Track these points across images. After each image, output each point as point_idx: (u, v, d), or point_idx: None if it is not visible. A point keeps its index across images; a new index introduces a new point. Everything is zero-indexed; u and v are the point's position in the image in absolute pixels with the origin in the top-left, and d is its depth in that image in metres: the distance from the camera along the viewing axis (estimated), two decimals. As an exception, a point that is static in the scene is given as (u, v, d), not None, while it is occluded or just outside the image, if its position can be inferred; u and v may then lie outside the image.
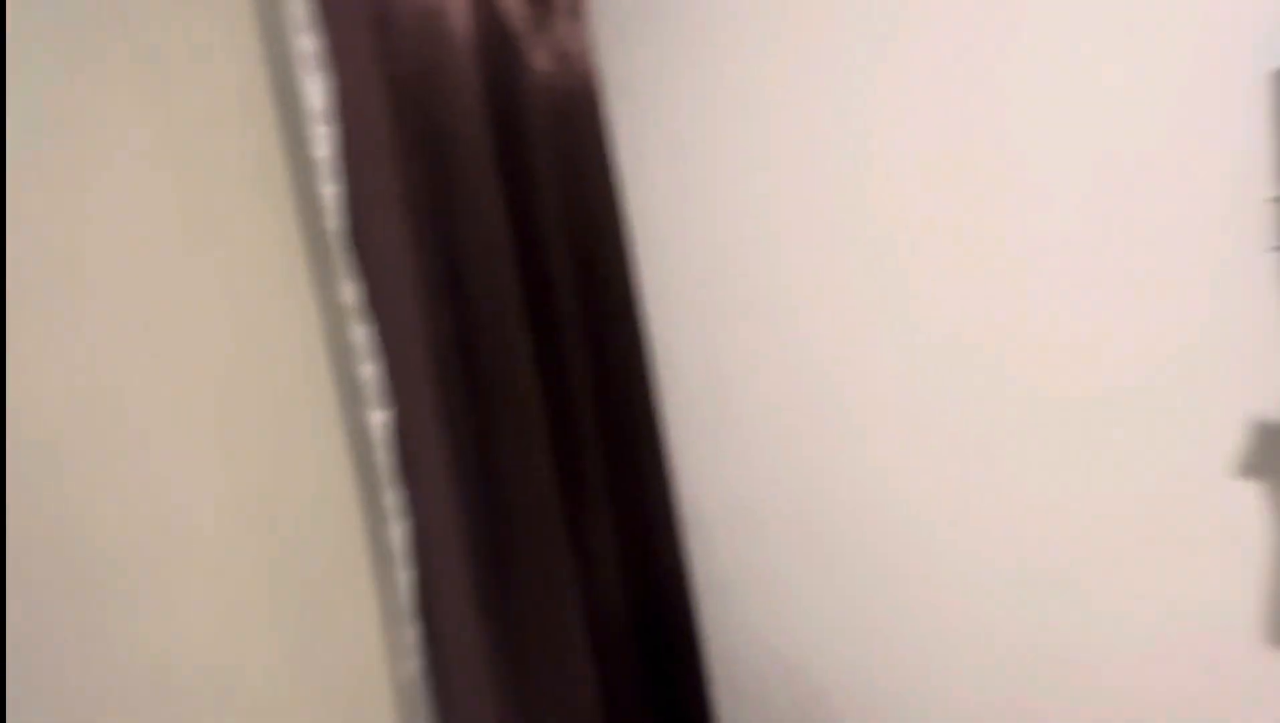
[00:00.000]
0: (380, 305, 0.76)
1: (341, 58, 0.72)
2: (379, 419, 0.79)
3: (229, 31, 0.67)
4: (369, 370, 0.79)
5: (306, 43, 0.69)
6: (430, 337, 0.78)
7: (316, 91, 0.70)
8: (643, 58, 1.33)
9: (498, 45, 1.04)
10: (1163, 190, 1.09)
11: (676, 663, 1.40)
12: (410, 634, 0.81)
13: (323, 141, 0.71)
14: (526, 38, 1.09)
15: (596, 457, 1.23)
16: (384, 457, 0.80)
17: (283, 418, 0.69)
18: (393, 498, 0.81)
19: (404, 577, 0.81)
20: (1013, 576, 1.23)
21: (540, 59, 1.21)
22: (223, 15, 0.64)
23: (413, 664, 0.83)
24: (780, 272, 1.31)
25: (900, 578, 1.32)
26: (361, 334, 0.79)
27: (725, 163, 1.31)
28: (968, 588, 1.26)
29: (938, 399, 1.24)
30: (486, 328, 0.87)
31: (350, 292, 0.77)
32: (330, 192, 0.74)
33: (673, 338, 1.36)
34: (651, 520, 1.33)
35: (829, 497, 1.35)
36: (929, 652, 1.32)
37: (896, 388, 1.27)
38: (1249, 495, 1.11)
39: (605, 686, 1.19)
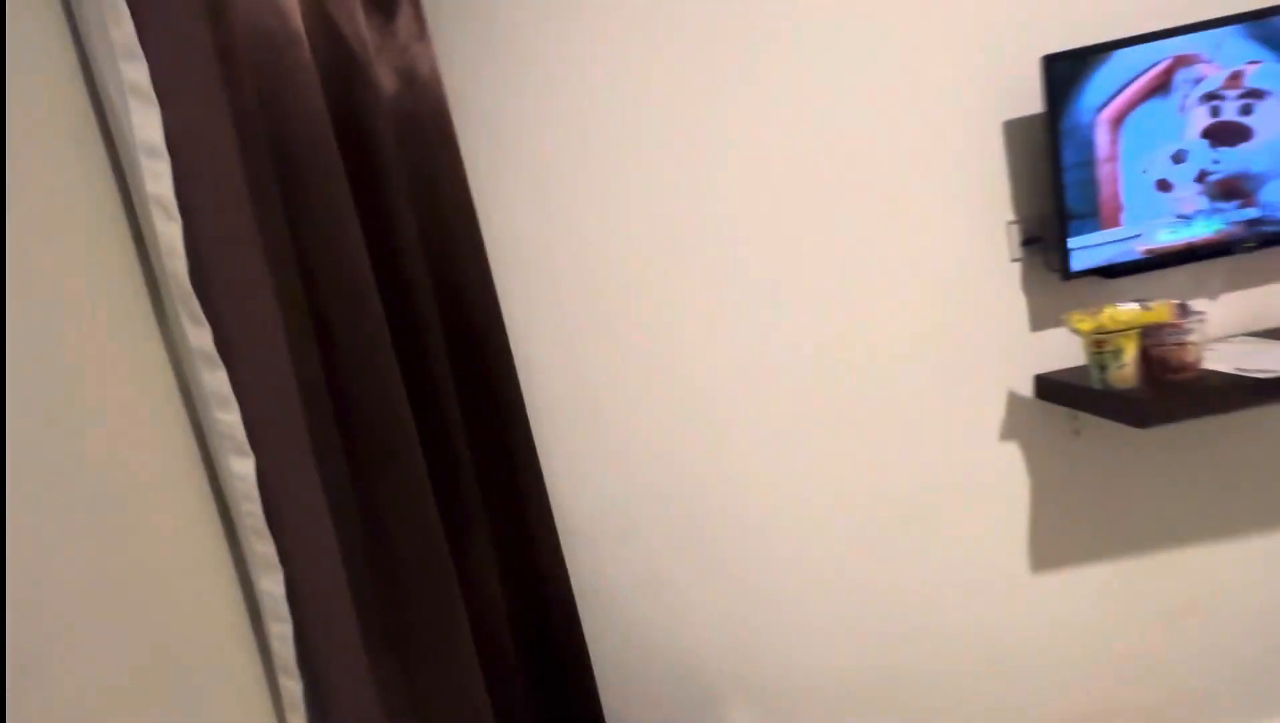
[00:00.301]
0: (235, 349, 0.72)
1: (177, 87, 0.67)
2: (241, 468, 0.75)
3: (43, 59, 0.60)
4: (225, 418, 0.75)
5: (133, 72, 0.63)
6: (294, 378, 0.75)
7: (149, 124, 0.64)
8: (494, 78, 1.35)
9: (344, 69, 1.00)
10: (935, 216, 1.34)
11: (564, 671, 1.44)
12: (293, 687, 0.77)
13: (158, 178, 0.65)
14: (372, 61, 1.06)
15: (471, 479, 1.24)
16: (248, 507, 0.75)
17: (130, 473, 0.63)
18: (262, 549, 0.76)
19: (279, 629, 0.77)
20: (855, 543, 1.43)
21: (387, 81, 1.18)
22: (34, 43, 0.57)
23: (299, 717, 0.79)
24: (642, 287, 1.40)
25: (766, 565, 1.47)
26: (215, 380, 0.73)
27: (580, 180, 1.36)
28: (821, 556, 1.45)
29: (786, 404, 1.41)
30: (354, 364, 0.84)
31: (198, 335, 0.71)
32: (169, 230, 0.68)
33: (539, 355, 1.40)
34: (529, 535, 1.35)
35: (701, 500, 1.47)
36: (797, 625, 1.48)
37: (754, 395, 1.41)
38: (1008, 452, 1.40)
39: (498, 705, 1.20)
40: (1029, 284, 1.35)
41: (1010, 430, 1.39)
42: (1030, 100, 1.25)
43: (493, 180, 1.34)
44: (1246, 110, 1.21)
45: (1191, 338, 1.14)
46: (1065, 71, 1.19)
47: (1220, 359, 1.20)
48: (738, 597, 1.45)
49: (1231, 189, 1.23)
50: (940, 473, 1.40)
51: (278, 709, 0.74)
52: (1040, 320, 1.35)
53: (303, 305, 0.80)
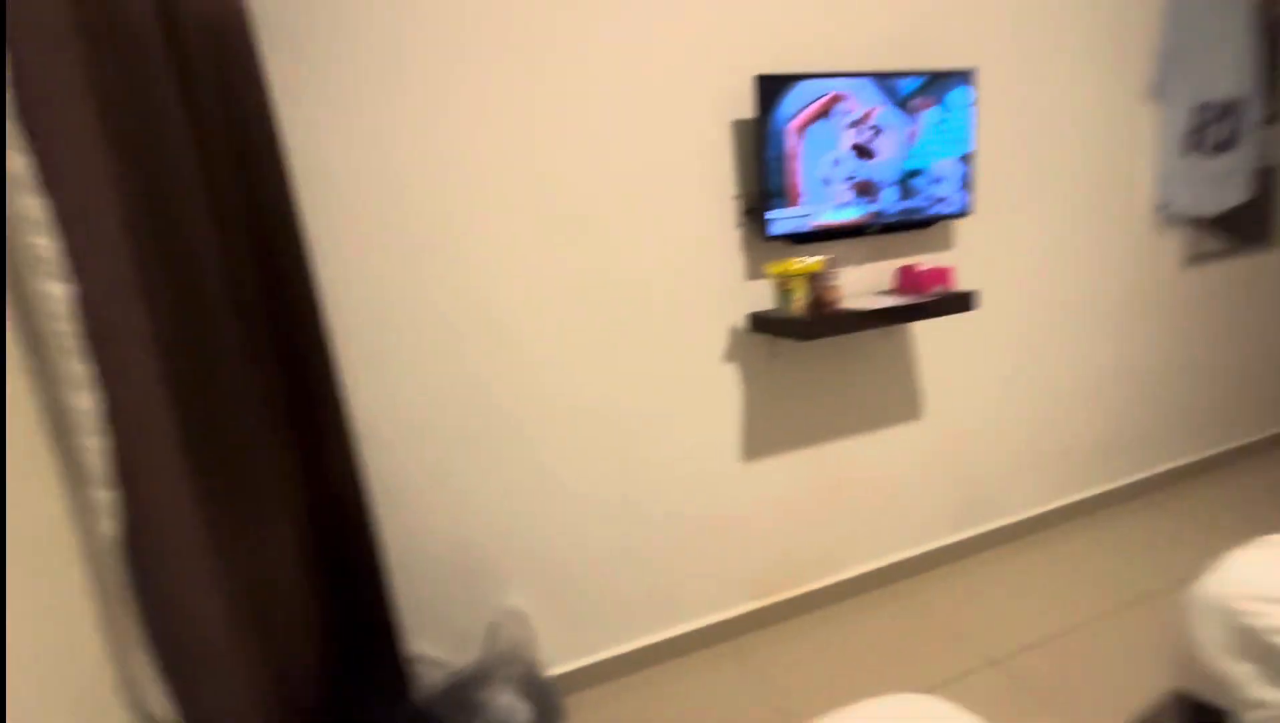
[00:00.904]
0: (61, 177, 0.77)
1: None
2: (61, 291, 0.79)
3: None
4: (47, 245, 0.79)
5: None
6: (119, 207, 0.80)
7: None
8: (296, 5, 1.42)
9: None
10: (681, 188, 1.73)
11: (358, 557, 1.55)
12: (104, 497, 0.83)
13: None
14: None
15: (275, 376, 1.30)
16: (68, 328, 0.80)
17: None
18: (79, 369, 0.81)
19: (94, 443, 0.83)
20: (608, 442, 1.78)
21: None
22: None
23: (108, 526, 0.85)
24: (442, 212, 1.57)
25: (538, 459, 1.74)
26: (36, 206, 0.77)
27: (389, 106, 1.49)
28: (581, 453, 1.76)
29: (560, 325, 1.70)
30: (175, 218, 0.89)
31: (19, 163, 0.75)
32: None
33: (339, 268, 1.49)
34: (325, 435, 1.44)
35: (485, 402, 1.68)
36: (561, 510, 1.78)
37: (534, 316, 1.67)
38: (728, 371, 1.87)
39: (304, 560, 1.29)
40: (746, 244, 1.82)
41: (729, 355, 1.86)
42: (749, 106, 1.71)
43: (297, 96, 1.41)
44: (874, 138, 1.80)
45: (836, 284, 1.68)
46: (770, 88, 1.66)
47: (854, 301, 1.77)
48: (514, 486, 1.71)
49: (865, 189, 1.82)
50: (676, 386, 1.82)
51: (86, 521, 0.80)
52: (753, 272, 1.84)
53: (130, 159, 0.86)
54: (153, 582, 0.86)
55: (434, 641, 1.67)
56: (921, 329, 2.07)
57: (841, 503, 2.07)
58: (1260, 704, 1.09)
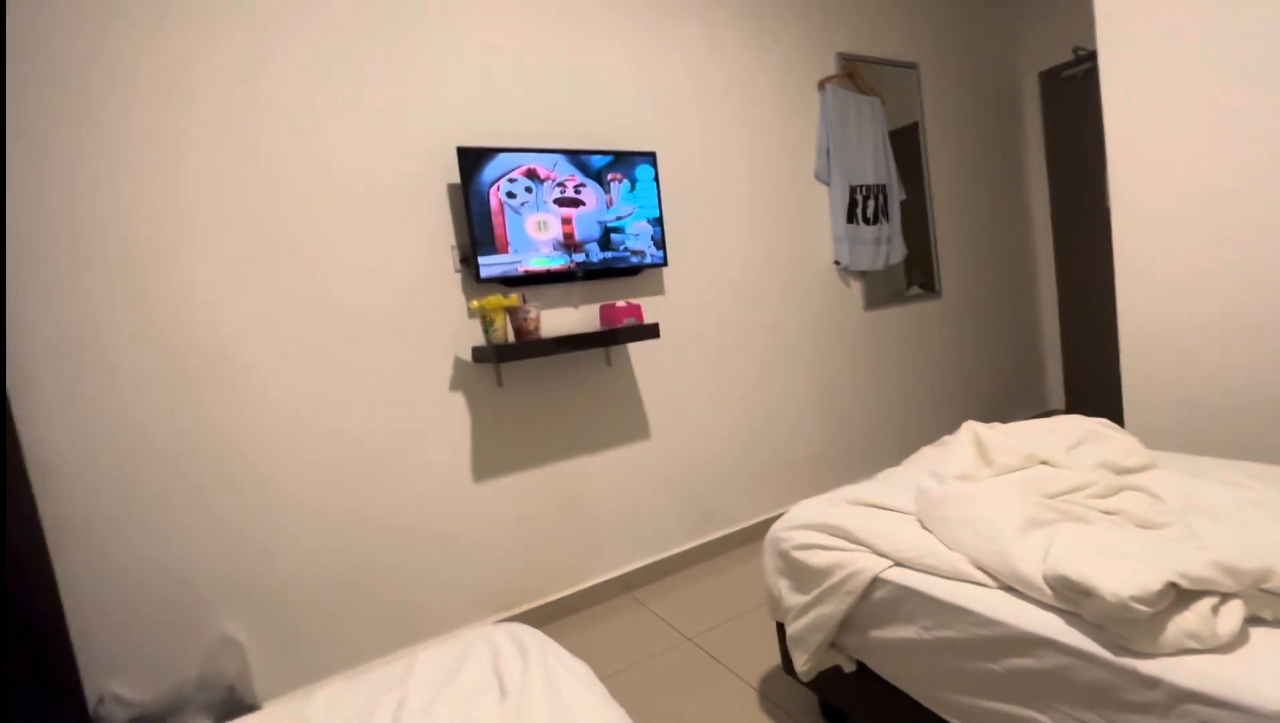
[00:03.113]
0: None
1: None
2: None
3: None
4: None
5: None
6: None
7: None
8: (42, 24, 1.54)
9: None
10: (408, 240, 2.00)
11: (22, 590, 1.50)
12: None
13: None
14: None
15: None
16: None
17: None
18: None
19: None
20: (338, 470, 1.90)
21: None
22: None
23: None
24: (157, 239, 1.69)
25: (259, 491, 1.81)
26: None
27: (97, 158, 1.62)
28: (308, 482, 1.86)
29: (287, 360, 1.84)
30: None
31: None
32: None
33: (21, 295, 1.54)
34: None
35: (199, 430, 1.75)
36: (283, 538, 1.84)
37: (259, 340, 1.80)
38: (456, 398, 2.08)
39: None
40: (465, 287, 2.09)
41: (457, 383, 2.08)
42: (457, 173, 2.03)
43: (20, 132, 1.51)
44: (576, 202, 2.19)
45: (531, 315, 1.99)
46: (471, 159, 2.00)
47: (555, 330, 2.09)
48: (233, 520, 1.77)
49: (570, 243, 2.19)
50: (406, 414, 2.00)
51: None
52: (463, 312, 2.10)
53: None
54: None
55: (134, 679, 1.64)
56: (639, 361, 2.43)
57: (577, 518, 2.30)
58: (791, 609, 1.41)
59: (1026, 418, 3.01)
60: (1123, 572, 0.93)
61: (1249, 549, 0.99)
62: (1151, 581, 0.90)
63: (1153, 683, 0.88)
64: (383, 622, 1.96)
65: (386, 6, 1.95)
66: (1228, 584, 0.91)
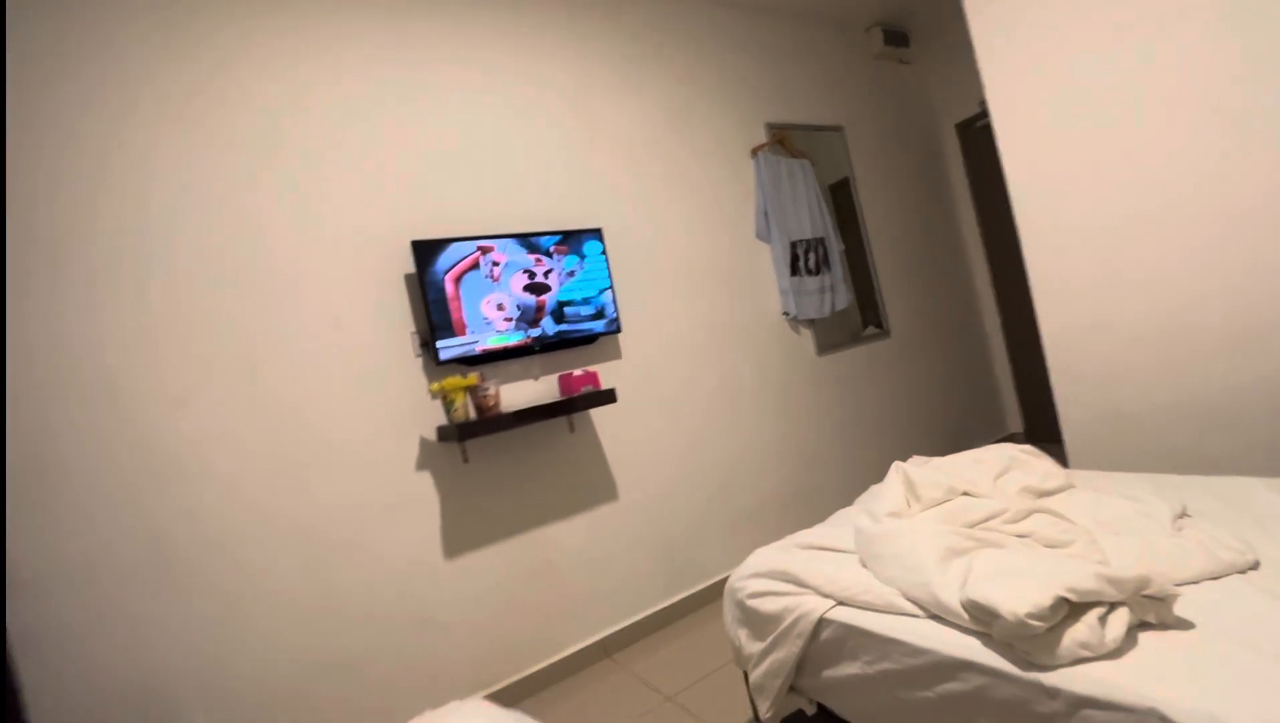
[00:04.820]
0: None
1: None
2: None
3: None
4: None
5: None
6: None
7: None
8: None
9: None
10: (368, 329, 2.10)
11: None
12: None
13: None
14: None
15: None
16: None
17: None
18: None
19: None
20: (306, 558, 1.93)
21: None
22: None
23: None
24: (115, 356, 1.77)
25: (229, 586, 1.84)
26: None
27: (47, 261, 1.73)
28: (277, 572, 1.89)
29: (255, 458, 1.90)
30: None
31: None
32: None
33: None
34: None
35: (169, 539, 1.78)
36: (254, 633, 1.85)
37: (220, 442, 1.87)
38: (424, 477, 2.15)
39: None
40: (426, 369, 2.19)
41: (423, 463, 2.15)
42: (412, 264, 2.16)
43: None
44: (541, 283, 2.33)
45: (491, 392, 2.09)
46: (425, 250, 2.13)
47: (516, 403, 2.18)
48: (202, 620, 1.79)
49: (528, 318, 2.31)
50: (374, 498, 2.06)
51: None
52: (425, 394, 2.20)
53: None
54: None
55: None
56: (602, 425, 2.52)
57: (551, 586, 2.34)
58: (751, 657, 1.47)
59: (987, 444, 3.15)
60: (1018, 591, 1.03)
61: (1139, 559, 1.09)
62: (1043, 596, 1.00)
63: (1054, 693, 0.96)
64: (365, 706, 1.96)
65: (336, 119, 2.12)
66: (1112, 594, 1.01)
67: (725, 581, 2.76)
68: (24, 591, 1.59)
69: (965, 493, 1.46)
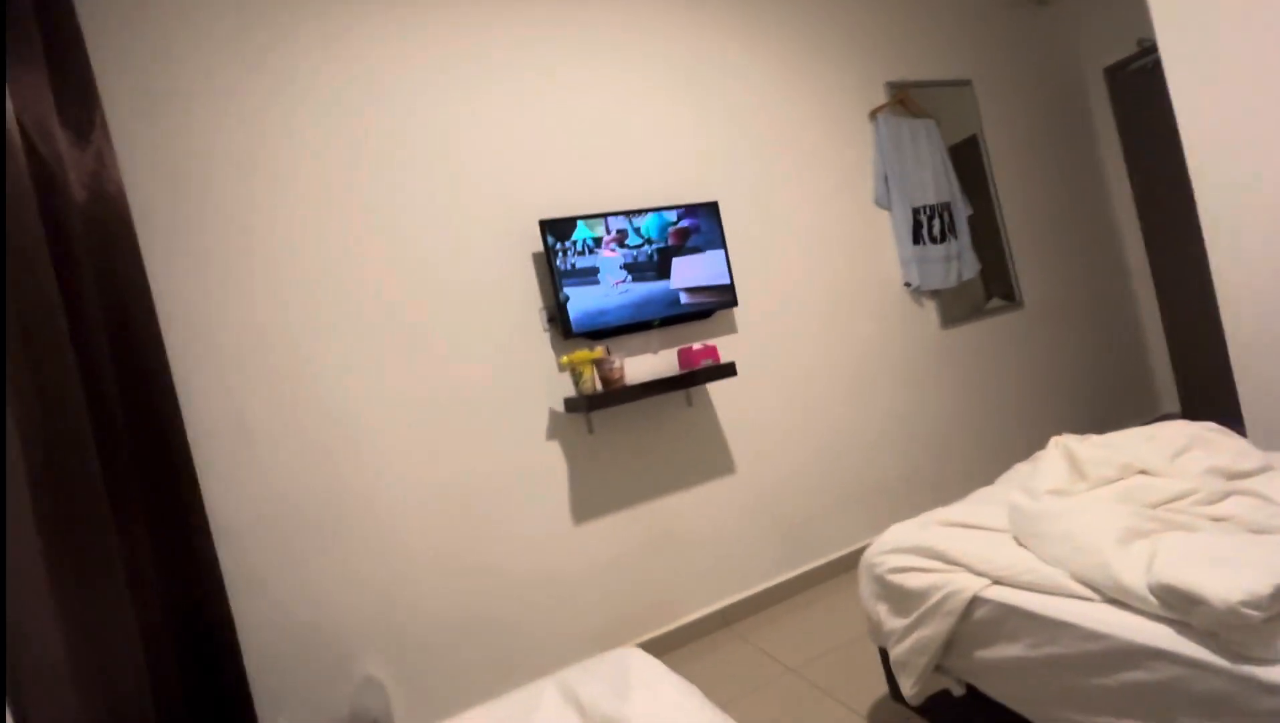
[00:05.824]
0: None
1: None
2: None
3: None
4: None
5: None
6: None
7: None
8: (166, 186, 1.90)
9: (46, 183, 1.47)
10: (500, 305, 2.22)
11: (214, 649, 1.75)
12: None
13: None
14: (68, 178, 1.55)
15: (135, 486, 1.60)
16: None
17: None
18: None
19: None
20: (455, 519, 2.09)
21: (78, 193, 1.65)
22: None
23: None
24: (288, 332, 1.98)
25: (391, 544, 2.03)
26: None
27: (245, 267, 1.95)
28: (431, 532, 2.06)
29: (406, 425, 2.07)
30: (51, 394, 1.26)
31: None
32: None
33: (201, 389, 1.85)
34: (185, 532, 1.71)
35: (339, 500, 1.99)
36: (414, 587, 2.04)
37: (383, 420, 2.05)
38: (553, 447, 2.25)
39: (153, 668, 1.51)
40: (555, 344, 2.28)
41: (551, 433, 2.25)
42: (540, 242, 2.25)
43: (168, 267, 1.85)
44: (650, 257, 2.35)
45: (616, 365, 2.14)
46: (551, 228, 2.21)
47: (638, 376, 2.23)
48: (369, 572, 1.98)
49: (647, 294, 2.34)
50: (509, 466, 2.18)
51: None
52: (554, 367, 2.28)
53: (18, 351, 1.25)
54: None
55: (294, 715, 1.85)
56: (719, 399, 2.52)
57: (671, 555, 2.39)
58: (892, 633, 1.44)
59: (1137, 425, 2.84)
60: (1230, 577, 0.93)
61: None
62: (1260, 585, 0.90)
63: (1275, 690, 0.87)
64: (501, 658, 2.11)
65: (468, 107, 2.23)
66: (1347, 586, 0.90)
67: (844, 557, 2.76)
68: (229, 536, 1.84)
69: (1142, 472, 1.34)
